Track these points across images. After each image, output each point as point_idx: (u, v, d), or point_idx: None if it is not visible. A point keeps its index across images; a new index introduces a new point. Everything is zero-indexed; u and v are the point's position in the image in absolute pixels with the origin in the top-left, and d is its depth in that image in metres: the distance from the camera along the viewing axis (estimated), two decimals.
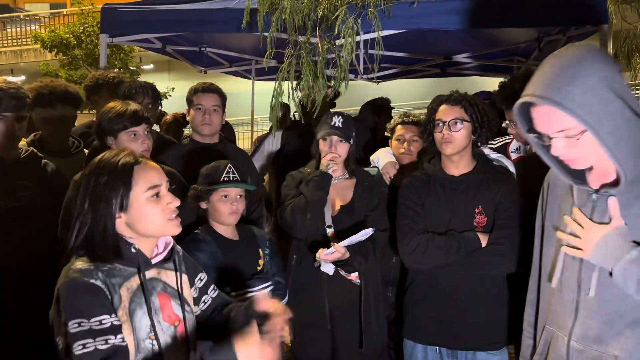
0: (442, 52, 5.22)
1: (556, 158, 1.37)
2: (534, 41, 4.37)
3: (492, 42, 4.83)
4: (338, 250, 2.14)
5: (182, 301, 1.44)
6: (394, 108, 4.41)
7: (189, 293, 1.50)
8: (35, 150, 2.48)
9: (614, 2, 4.95)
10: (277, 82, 2.67)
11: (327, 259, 2.19)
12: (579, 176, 1.42)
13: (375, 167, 2.72)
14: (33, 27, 17.14)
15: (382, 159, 2.68)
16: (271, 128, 3.65)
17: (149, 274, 1.39)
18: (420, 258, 2.12)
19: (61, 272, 1.32)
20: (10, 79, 2.50)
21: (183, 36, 4.52)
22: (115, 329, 1.26)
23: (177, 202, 1.40)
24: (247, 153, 3.54)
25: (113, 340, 1.24)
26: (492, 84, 3.91)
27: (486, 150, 2.43)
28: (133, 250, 1.36)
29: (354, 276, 2.36)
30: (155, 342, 1.34)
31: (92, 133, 2.52)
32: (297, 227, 2.33)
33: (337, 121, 2.37)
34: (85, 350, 1.20)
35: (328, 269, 2.29)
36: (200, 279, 1.58)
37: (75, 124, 3.11)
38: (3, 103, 2.23)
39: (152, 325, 1.34)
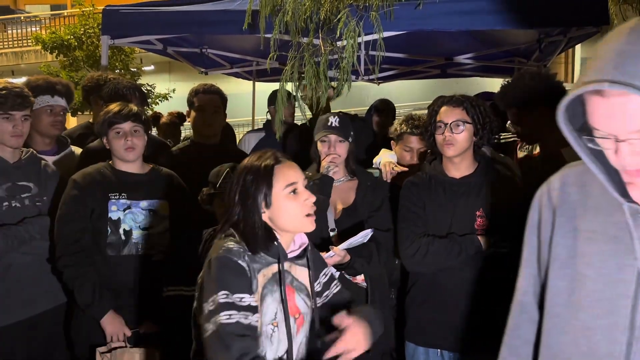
0: (443, 53, 5.21)
1: (610, 167, 1.05)
2: (535, 42, 4.37)
3: (493, 43, 4.83)
4: (337, 253, 2.10)
5: (306, 296, 1.59)
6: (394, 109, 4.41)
7: (312, 289, 1.64)
8: (34, 151, 2.48)
9: (615, 3, 4.95)
10: (281, 84, 2.67)
11: (327, 262, 2.17)
12: (621, 191, 1.10)
13: (378, 168, 2.72)
14: (34, 29, 17.17)
15: (384, 161, 2.67)
16: (263, 128, 3.66)
17: (285, 266, 1.53)
18: (421, 261, 2.11)
19: (213, 244, 1.51)
20: (11, 80, 2.51)
21: (184, 38, 4.52)
22: (254, 309, 1.41)
23: (314, 198, 1.54)
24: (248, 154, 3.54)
25: (251, 318, 1.39)
26: (493, 84, 3.93)
27: (484, 149, 2.41)
28: (275, 243, 1.51)
29: (360, 279, 2.32)
30: (276, 329, 1.48)
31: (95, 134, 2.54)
32: None
33: (334, 121, 2.33)
34: (230, 320, 1.36)
35: (333, 272, 2.27)
36: (325, 274, 1.73)
37: (74, 125, 3.11)
38: (8, 102, 2.25)
39: (280, 313, 1.48)
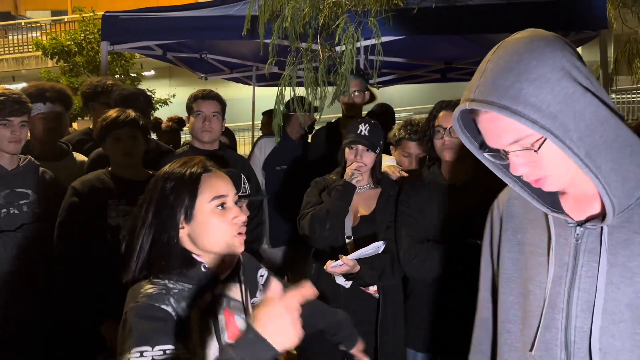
0: (443, 57, 5.22)
1: (521, 180, 1.05)
2: None
3: (493, 47, 4.82)
4: (346, 262, 2.07)
5: (246, 314, 1.35)
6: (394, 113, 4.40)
7: (245, 304, 1.40)
8: (32, 158, 2.49)
9: (615, 6, 4.96)
10: (279, 89, 2.67)
11: (334, 271, 2.13)
12: (553, 203, 1.07)
13: None
14: (34, 35, 17.20)
15: (384, 166, 2.66)
16: (266, 134, 3.66)
17: (216, 291, 1.29)
18: (420, 267, 2.11)
19: (128, 293, 1.24)
20: (12, 86, 2.52)
21: (183, 43, 4.54)
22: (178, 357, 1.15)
23: (244, 217, 1.30)
24: (247, 159, 3.54)
25: None
26: None
27: None
28: (203, 269, 1.26)
29: (373, 290, 2.28)
30: None
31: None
32: (315, 236, 2.28)
33: (364, 129, 2.30)
34: None
35: (342, 282, 2.23)
36: (262, 275, 1.50)
37: (74, 130, 3.11)
38: (6, 108, 2.26)
39: (220, 346, 1.23)
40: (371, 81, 4.41)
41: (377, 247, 2.09)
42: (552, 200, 1.07)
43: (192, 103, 2.77)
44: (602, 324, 0.98)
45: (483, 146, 1.04)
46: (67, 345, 2.39)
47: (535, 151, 0.95)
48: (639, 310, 0.97)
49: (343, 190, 2.26)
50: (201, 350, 1.21)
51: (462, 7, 3.11)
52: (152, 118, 5.09)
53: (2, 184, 2.31)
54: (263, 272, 1.52)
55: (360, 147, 2.31)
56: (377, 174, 2.38)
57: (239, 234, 1.29)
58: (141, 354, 1.11)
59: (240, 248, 1.30)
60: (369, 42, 2.87)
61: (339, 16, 2.63)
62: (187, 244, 1.28)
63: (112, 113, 2.33)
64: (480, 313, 1.34)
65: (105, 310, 2.18)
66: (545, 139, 0.93)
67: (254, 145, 3.96)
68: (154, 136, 4.62)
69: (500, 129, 0.96)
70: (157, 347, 1.12)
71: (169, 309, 1.18)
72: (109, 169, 2.36)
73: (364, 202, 2.36)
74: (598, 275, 0.99)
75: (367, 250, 2.09)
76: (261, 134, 4.37)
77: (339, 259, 2.08)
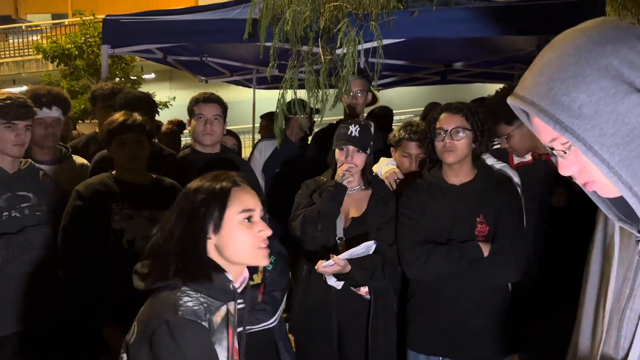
0: (443, 59, 5.22)
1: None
2: (535, 48, 4.37)
3: (492, 49, 4.84)
4: (337, 262, 2.08)
5: (241, 335, 1.42)
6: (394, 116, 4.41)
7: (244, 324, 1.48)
8: (32, 161, 2.49)
9: (614, 8, 4.97)
10: (281, 92, 2.68)
11: (325, 271, 2.14)
12: (628, 213, 0.95)
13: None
14: (35, 38, 17.23)
15: (385, 169, 2.66)
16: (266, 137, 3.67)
17: (230, 306, 1.33)
18: (421, 268, 2.11)
19: (155, 301, 1.28)
20: (12, 89, 2.52)
21: (184, 46, 4.54)
22: None
23: (269, 232, 1.35)
24: (248, 162, 3.55)
25: None
26: (493, 91, 3.91)
27: (490, 160, 2.41)
28: (226, 282, 1.31)
29: (364, 291, 2.29)
30: None
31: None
32: (307, 238, 2.28)
33: (354, 130, 2.30)
34: None
35: (334, 282, 2.23)
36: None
37: (77, 134, 3.12)
38: (12, 111, 2.27)
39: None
40: (372, 84, 4.43)
41: (368, 246, 2.10)
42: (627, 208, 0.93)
43: (193, 106, 2.77)
44: None
45: None
46: (68, 347, 2.39)
47: (564, 152, 0.89)
48: None
49: (334, 192, 2.27)
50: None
51: (461, 10, 3.12)
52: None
53: (4, 187, 2.32)
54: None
55: (351, 148, 2.31)
56: (367, 175, 2.39)
57: (262, 247, 1.34)
58: None
59: (264, 261, 1.36)
60: (369, 45, 2.88)
61: (340, 19, 2.64)
62: (214, 255, 1.33)
63: (119, 116, 2.33)
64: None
65: (108, 313, 2.18)
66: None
67: (253, 148, 3.96)
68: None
69: (540, 126, 0.91)
70: None
71: (206, 324, 1.22)
72: (113, 172, 2.36)
73: (354, 203, 2.37)
74: None
75: (358, 250, 2.10)
76: (260, 137, 4.38)
77: (330, 259, 2.09)
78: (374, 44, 2.73)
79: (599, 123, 0.83)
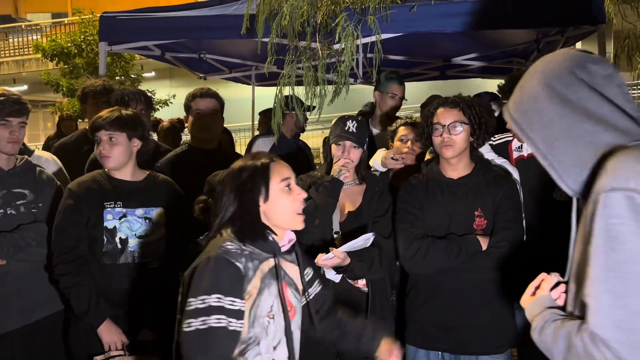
0: (441, 54, 5.22)
1: None
2: (533, 42, 4.37)
3: (491, 44, 4.83)
4: (337, 255, 2.09)
5: (295, 290, 1.65)
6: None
7: (302, 284, 1.70)
8: (29, 158, 2.49)
9: (614, 2, 4.95)
10: (278, 88, 2.66)
11: (325, 264, 2.14)
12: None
13: (377, 171, 2.71)
14: (35, 37, 17.23)
15: (379, 155, 2.68)
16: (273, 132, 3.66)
17: (278, 261, 1.57)
18: (420, 262, 2.11)
19: (211, 242, 1.53)
20: (12, 88, 2.52)
21: (182, 43, 4.53)
22: (241, 315, 1.44)
23: (305, 194, 1.63)
24: None
25: (236, 324, 1.43)
26: (492, 85, 3.90)
27: (490, 155, 2.41)
28: (270, 238, 1.56)
29: (362, 284, 2.31)
30: (272, 321, 1.52)
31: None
32: (304, 232, 2.30)
33: (352, 126, 2.33)
34: (218, 324, 1.39)
35: (332, 276, 2.24)
36: (307, 273, 1.76)
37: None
38: (6, 108, 2.27)
39: (277, 305, 1.53)
40: (372, 81, 4.43)
41: (367, 238, 2.11)
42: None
43: (190, 102, 2.76)
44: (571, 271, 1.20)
45: None
46: (64, 346, 2.39)
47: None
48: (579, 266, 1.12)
49: (330, 187, 2.28)
50: (252, 308, 1.47)
51: (460, 4, 3.11)
52: (152, 119, 5.10)
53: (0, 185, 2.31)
54: (309, 271, 1.78)
55: (348, 143, 2.33)
56: (362, 171, 2.41)
57: (299, 214, 1.60)
58: (219, 299, 1.40)
59: (301, 225, 1.61)
60: (367, 40, 2.87)
61: (337, 14, 2.62)
62: (263, 219, 1.57)
63: (107, 113, 2.31)
64: None
65: (103, 312, 2.18)
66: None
67: (249, 145, 3.95)
68: (154, 136, 4.62)
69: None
70: (228, 298, 1.42)
71: (241, 266, 1.46)
72: (105, 170, 2.33)
73: (349, 198, 2.38)
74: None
75: (357, 242, 2.11)
76: (258, 134, 4.37)
77: (329, 252, 2.09)
78: (372, 38, 2.72)
79: (528, 118, 1.19)
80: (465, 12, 3.06)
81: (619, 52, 6.38)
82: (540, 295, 1.26)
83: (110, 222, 2.25)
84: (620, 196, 0.99)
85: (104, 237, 2.24)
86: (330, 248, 2.11)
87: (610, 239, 0.99)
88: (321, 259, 2.11)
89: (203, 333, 1.38)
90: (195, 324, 1.39)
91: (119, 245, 2.25)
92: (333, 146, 2.37)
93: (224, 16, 3.38)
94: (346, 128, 2.33)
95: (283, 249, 1.62)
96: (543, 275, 1.31)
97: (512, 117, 1.21)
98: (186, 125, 2.85)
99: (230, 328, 1.41)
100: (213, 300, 1.40)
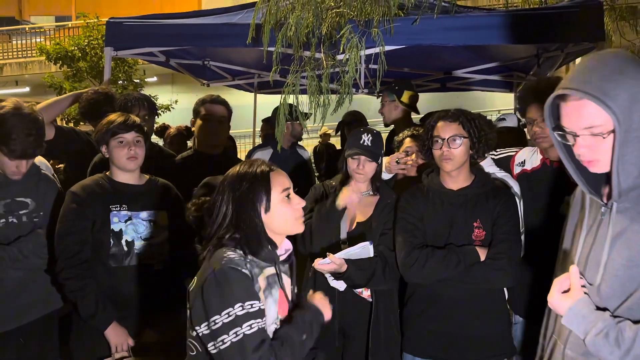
0: (443, 67, 5.26)
1: (576, 162, 1.37)
2: (533, 57, 4.42)
3: (492, 57, 4.88)
4: (333, 261, 2.11)
5: (290, 301, 1.67)
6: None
7: (292, 292, 1.71)
8: (35, 162, 2.50)
9: (613, 19, 5.02)
10: (283, 97, 2.70)
11: (322, 268, 2.16)
12: (596, 188, 1.41)
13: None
14: (38, 40, 17.29)
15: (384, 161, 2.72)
16: (268, 143, 3.69)
17: (277, 267, 1.61)
18: (419, 272, 2.13)
19: (207, 256, 1.53)
20: (15, 90, 2.53)
21: (186, 50, 4.58)
22: (263, 313, 1.49)
23: (304, 203, 1.64)
24: None
25: (262, 322, 1.47)
26: (492, 99, 3.95)
27: (492, 169, 2.43)
28: (270, 248, 1.58)
29: (367, 294, 2.32)
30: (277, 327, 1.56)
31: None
32: (305, 251, 2.37)
33: (367, 139, 2.35)
34: (252, 330, 1.43)
35: (337, 284, 2.26)
36: (294, 289, 1.76)
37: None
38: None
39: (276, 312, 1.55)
40: (374, 91, 4.46)
41: (363, 246, 2.13)
42: (595, 185, 1.40)
43: (199, 107, 2.79)
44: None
45: (556, 128, 1.37)
46: (71, 349, 2.40)
47: (603, 138, 1.27)
48: (630, 270, 1.29)
49: (330, 214, 2.33)
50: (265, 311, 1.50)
51: (463, 18, 3.16)
52: (159, 125, 5.13)
53: (3, 193, 2.32)
54: (294, 287, 1.77)
55: (363, 158, 2.35)
56: (376, 182, 2.43)
57: (299, 218, 1.62)
58: (242, 307, 1.43)
59: (300, 228, 1.63)
60: (370, 51, 2.91)
61: (342, 26, 2.67)
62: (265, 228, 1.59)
63: (116, 117, 2.32)
64: None
65: (110, 314, 2.20)
66: (612, 131, 1.25)
67: (247, 157, 3.97)
68: (159, 142, 4.66)
69: (584, 114, 1.28)
70: (248, 303, 1.45)
71: (247, 272, 1.49)
72: (107, 173, 2.35)
73: (362, 208, 2.40)
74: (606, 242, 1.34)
75: (354, 250, 2.13)
76: (260, 142, 4.39)
77: (326, 257, 2.12)
78: (376, 50, 2.76)
79: (631, 123, 1.24)
80: (467, 26, 3.10)
81: None
82: (582, 296, 1.34)
83: (116, 224, 2.26)
84: None
85: (110, 240, 2.25)
86: (327, 253, 2.13)
87: None
88: (318, 263, 2.14)
89: (239, 344, 1.42)
90: (228, 339, 1.42)
91: (125, 248, 2.26)
92: (349, 160, 2.39)
93: (229, 25, 3.43)
94: (361, 142, 2.35)
95: (281, 258, 1.63)
96: (573, 270, 1.38)
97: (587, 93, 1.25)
98: (193, 129, 2.88)
99: (262, 326, 1.46)
100: (237, 310, 1.43)
